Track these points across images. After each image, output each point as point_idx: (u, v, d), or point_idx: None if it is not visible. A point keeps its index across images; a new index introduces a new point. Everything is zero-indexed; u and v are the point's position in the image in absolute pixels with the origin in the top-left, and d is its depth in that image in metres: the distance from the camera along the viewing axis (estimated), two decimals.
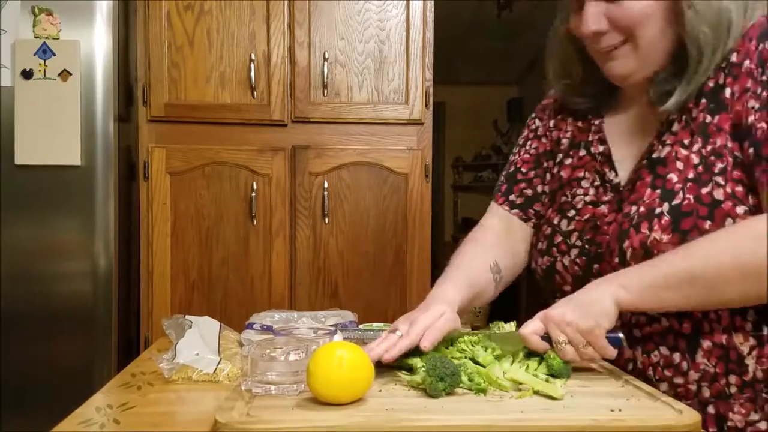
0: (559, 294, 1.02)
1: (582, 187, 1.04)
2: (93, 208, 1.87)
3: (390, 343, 0.87)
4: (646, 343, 0.94)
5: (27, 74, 1.81)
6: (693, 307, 0.88)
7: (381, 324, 1.22)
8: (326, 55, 2.03)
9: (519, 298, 4.60)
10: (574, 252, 1.00)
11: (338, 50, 2.05)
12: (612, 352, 0.87)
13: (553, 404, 0.77)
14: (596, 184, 1.03)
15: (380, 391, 0.82)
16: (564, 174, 1.08)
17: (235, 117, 2.02)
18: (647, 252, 0.90)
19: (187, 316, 1.11)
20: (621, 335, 0.87)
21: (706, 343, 0.90)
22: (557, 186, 1.09)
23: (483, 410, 0.75)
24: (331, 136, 2.07)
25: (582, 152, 1.07)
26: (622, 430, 0.70)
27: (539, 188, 1.14)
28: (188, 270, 2.00)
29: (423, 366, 0.84)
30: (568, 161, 1.09)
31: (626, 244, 0.93)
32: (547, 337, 0.88)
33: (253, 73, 2.00)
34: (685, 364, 0.91)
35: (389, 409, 0.74)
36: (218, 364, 0.96)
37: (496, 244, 1.14)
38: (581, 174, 1.05)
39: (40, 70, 1.81)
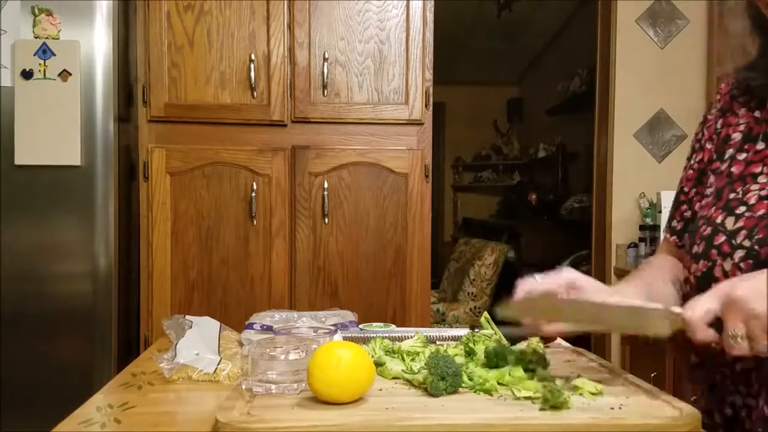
0: None
1: (758, 183, 0.87)
2: (93, 208, 1.87)
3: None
4: None
5: (27, 74, 1.81)
6: None
7: (381, 324, 1.22)
8: (326, 56, 2.03)
9: None
10: (739, 254, 0.82)
11: (338, 50, 2.05)
12: None
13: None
14: None
15: (381, 390, 0.82)
16: (735, 170, 0.91)
17: (235, 117, 2.02)
18: None
19: (187, 316, 1.12)
20: None
21: None
22: (725, 182, 0.91)
23: (483, 409, 0.75)
24: (331, 136, 2.07)
25: (760, 146, 0.89)
26: (622, 428, 0.70)
27: (697, 206, 0.98)
28: (188, 270, 2.00)
29: (424, 365, 0.84)
30: (742, 156, 0.91)
31: None
32: (717, 323, 0.71)
33: (253, 73, 2.00)
34: None
35: (390, 408, 0.74)
36: (218, 364, 0.96)
37: (670, 266, 1.01)
38: (758, 169, 0.88)
39: (40, 70, 1.82)
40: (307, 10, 2.02)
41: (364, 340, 1.09)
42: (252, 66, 2.00)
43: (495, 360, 0.86)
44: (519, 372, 0.84)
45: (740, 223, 0.84)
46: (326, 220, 2.03)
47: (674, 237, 1.01)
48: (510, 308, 0.87)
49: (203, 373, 0.95)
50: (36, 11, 1.82)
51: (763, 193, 0.85)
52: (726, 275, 0.83)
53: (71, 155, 1.84)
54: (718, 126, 0.98)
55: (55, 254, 1.85)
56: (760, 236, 0.81)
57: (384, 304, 2.06)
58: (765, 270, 0.72)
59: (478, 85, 6.13)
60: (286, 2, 2.02)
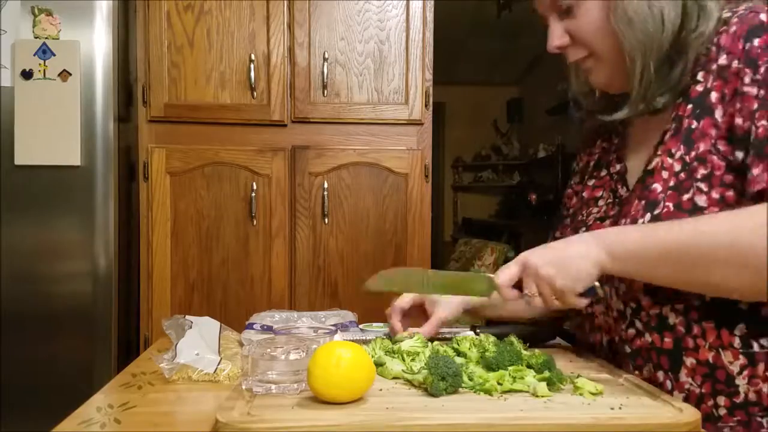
0: (574, 311, 1.03)
1: (597, 206, 1.03)
2: (93, 208, 1.87)
3: None
4: (635, 359, 0.93)
5: (27, 74, 1.81)
6: (675, 284, 0.84)
7: (381, 324, 1.22)
8: (326, 56, 2.03)
9: None
10: None
11: (338, 50, 2.05)
12: (582, 302, 0.87)
13: (553, 403, 0.77)
14: (609, 201, 1.01)
15: (381, 390, 0.82)
16: (585, 194, 1.08)
17: (235, 117, 2.02)
18: None
19: (187, 317, 1.12)
20: (596, 284, 0.86)
21: (690, 361, 0.87)
22: (579, 205, 1.09)
23: (483, 409, 0.75)
24: (331, 137, 2.07)
25: (603, 172, 1.06)
26: (622, 428, 0.70)
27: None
28: (188, 270, 2.00)
29: (424, 365, 0.84)
30: (591, 182, 1.08)
31: None
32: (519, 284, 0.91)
33: (252, 74, 2.00)
34: (669, 384, 0.89)
35: (390, 408, 0.74)
36: (218, 364, 0.96)
37: None
38: (599, 193, 1.05)
39: (40, 71, 1.82)
40: (307, 10, 2.02)
41: (364, 341, 1.09)
42: (252, 66, 2.00)
43: (496, 367, 0.86)
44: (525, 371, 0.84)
45: None
46: (326, 220, 2.03)
47: None
48: (377, 282, 1.04)
49: (203, 373, 0.95)
50: (36, 11, 1.82)
51: (597, 215, 1.01)
52: None
53: (71, 155, 1.84)
54: (584, 156, 1.15)
55: (55, 254, 1.85)
56: None
57: (384, 304, 2.05)
58: (561, 240, 0.90)
59: (478, 85, 6.13)
60: (286, 2, 2.02)
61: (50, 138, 1.83)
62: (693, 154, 0.88)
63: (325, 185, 2.03)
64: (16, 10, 1.82)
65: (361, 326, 1.21)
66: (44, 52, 1.81)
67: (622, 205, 0.97)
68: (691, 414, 0.72)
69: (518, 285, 0.90)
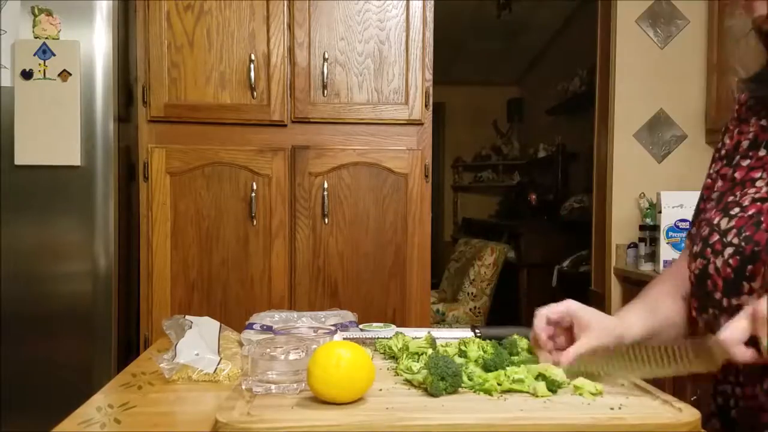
0: (711, 305, 0.89)
1: (755, 186, 0.91)
2: (93, 208, 1.87)
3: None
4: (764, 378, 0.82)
5: (27, 74, 1.81)
6: None
7: (381, 324, 1.22)
8: (326, 56, 2.03)
9: (518, 298, 4.60)
10: (728, 251, 0.86)
11: (338, 50, 2.05)
12: None
13: (552, 403, 0.77)
14: None
15: (380, 390, 0.82)
16: (738, 175, 0.96)
17: (234, 117, 2.02)
18: None
19: (187, 317, 1.12)
20: None
21: None
22: (728, 187, 0.97)
23: (483, 409, 0.75)
24: (331, 137, 2.07)
25: (762, 152, 0.95)
26: (622, 428, 0.70)
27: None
28: (188, 270, 2.00)
29: (424, 365, 0.84)
30: (745, 162, 0.96)
31: None
32: (753, 341, 0.72)
33: (252, 74, 2.00)
34: None
35: (389, 408, 0.74)
36: (218, 364, 0.96)
37: (684, 277, 1.01)
38: (757, 174, 0.93)
39: (40, 71, 1.82)
40: (306, 10, 2.02)
41: (364, 340, 1.09)
42: (252, 66, 2.00)
43: (494, 368, 0.86)
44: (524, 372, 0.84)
45: (732, 223, 0.88)
46: (326, 220, 2.03)
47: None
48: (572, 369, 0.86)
49: (203, 374, 0.95)
50: (36, 11, 1.82)
51: (756, 196, 0.89)
52: (717, 272, 0.87)
53: (71, 155, 1.84)
54: (735, 133, 1.02)
55: (55, 254, 1.85)
56: (747, 234, 0.85)
57: (384, 304, 2.06)
58: None
59: (477, 85, 6.13)
60: (285, 2, 2.01)
61: (50, 138, 1.83)
62: None
63: (325, 185, 2.03)
64: (16, 10, 1.82)
65: (361, 326, 1.21)
66: (44, 52, 1.81)
67: None
68: (690, 414, 0.72)
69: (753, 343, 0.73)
